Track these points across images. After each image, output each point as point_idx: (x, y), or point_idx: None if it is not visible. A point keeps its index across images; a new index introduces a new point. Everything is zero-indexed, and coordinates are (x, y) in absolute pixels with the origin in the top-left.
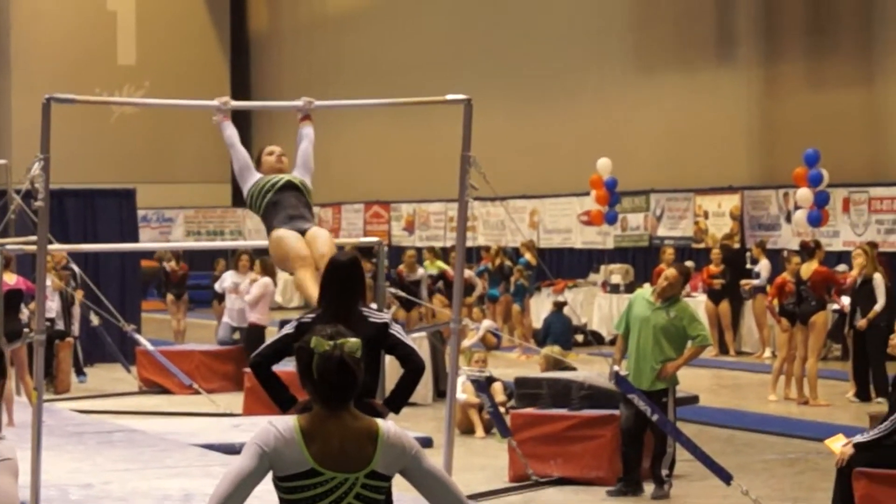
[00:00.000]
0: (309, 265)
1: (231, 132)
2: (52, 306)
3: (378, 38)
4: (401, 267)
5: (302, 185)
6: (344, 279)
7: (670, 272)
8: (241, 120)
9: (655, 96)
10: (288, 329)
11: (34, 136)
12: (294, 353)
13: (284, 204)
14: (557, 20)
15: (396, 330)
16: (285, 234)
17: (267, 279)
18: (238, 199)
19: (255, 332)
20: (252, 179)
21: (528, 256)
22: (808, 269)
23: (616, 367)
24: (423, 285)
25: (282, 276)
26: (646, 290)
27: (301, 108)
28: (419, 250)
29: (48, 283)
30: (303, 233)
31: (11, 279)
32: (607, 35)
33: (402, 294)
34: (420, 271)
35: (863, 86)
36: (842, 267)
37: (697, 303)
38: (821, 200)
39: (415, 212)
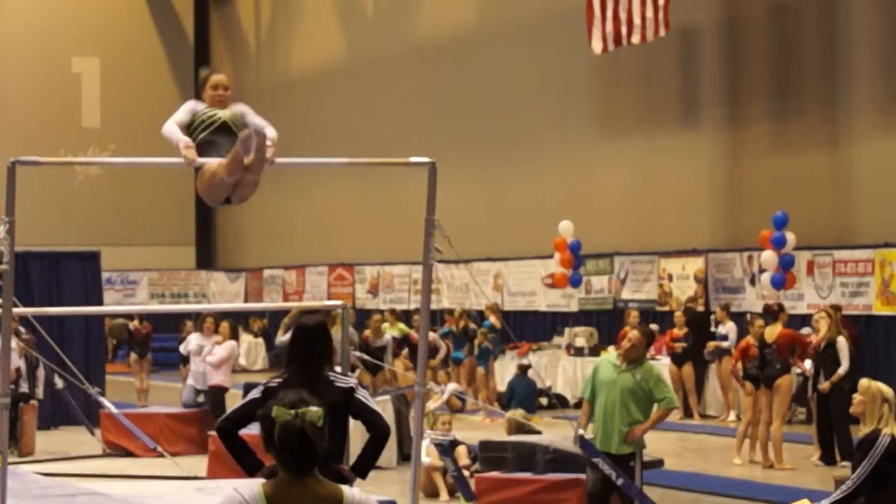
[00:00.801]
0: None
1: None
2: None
3: (341, 101)
4: (366, 332)
5: (238, 124)
6: (311, 344)
7: (633, 334)
8: None
9: (619, 159)
10: (255, 394)
11: None
12: (258, 420)
13: (218, 145)
14: (521, 83)
15: (362, 395)
16: (210, 164)
17: (232, 342)
18: (202, 262)
19: (217, 394)
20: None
21: (492, 319)
22: (773, 332)
23: (581, 431)
24: (388, 350)
25: (245, 338)
26: (611, 355)
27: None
28: (382, 313)
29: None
30: None
31: None
32: (571, 98)
33: (367, 358)
34: (387, 336)
35: (827, 149)
36: (806, 330)
37: (661, 366)
38: (785, 263)
39: (379, 274)
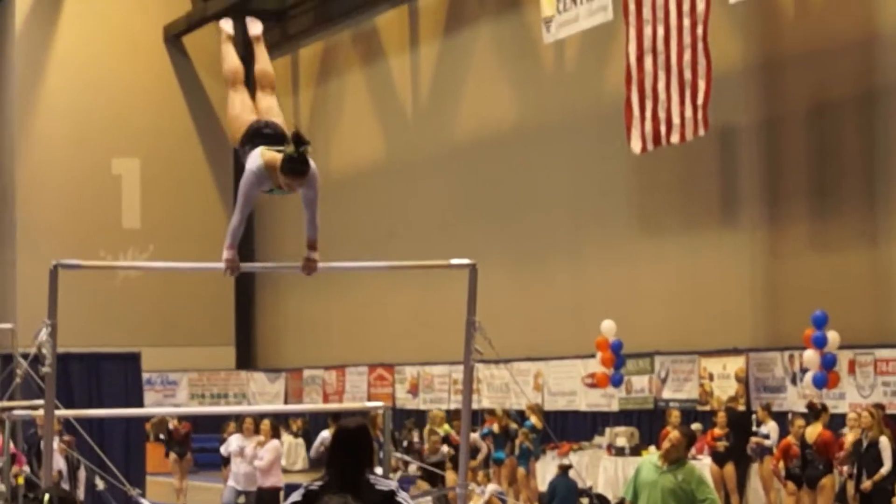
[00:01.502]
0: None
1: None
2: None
3: (381, 201)
4: (424, 446)
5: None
6: (352, 447)
7: (673, 434)
8: (245, 279)
9: (659, 258)
10: (295, 497)
11: (38, 298)
12: None
13: None
14: (560, 182)
15: (403, 497)
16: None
17: (276, 442)
18: (242, 362)
19: (270, 497)
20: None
21: (533, 420)
22: (813, 432)
23: None
24: (446, 463)
25: (285, 438)
26: (653, 456)
27: (304, 271)
28: (421, 413)
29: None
30: None
31: None
32: (611, 197)
33: (428, 467)
34: (444, 449)
35: (867, 247)
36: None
37: (703, 465)
38: (827, 363)
39: (419, 374)
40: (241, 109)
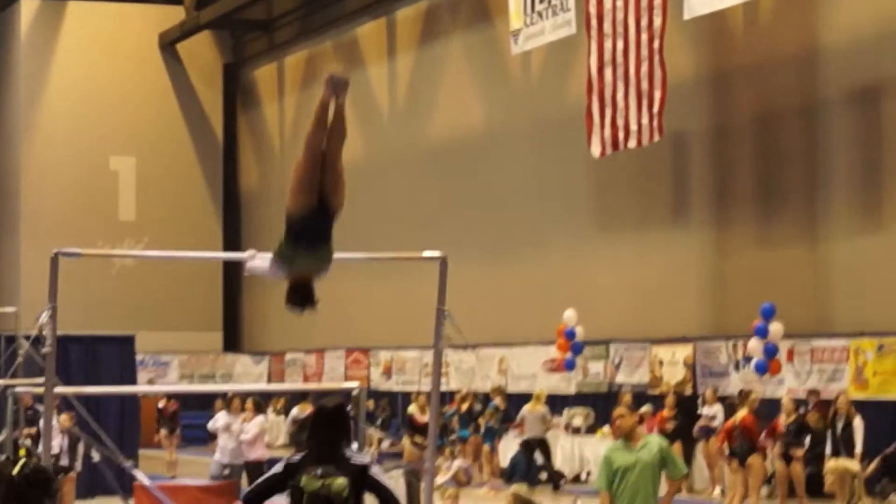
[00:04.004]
0: None
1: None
2: (58, 443)
3: (359, 197)
4: (412, 410)
5: None
6: (330, 424)
7: (616, 412)
8: (232, 268)
9: (615, 254)
10: (277, 468)
11: (40, 285)
12: (282, 490)
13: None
14: (526, 183)
15: (375, 472)
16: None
17: (260, 417)
18: (229, 345)
19: (255, 469)
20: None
21: (497, 401)
22: (740, 415)
23: None
24: None
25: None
26: (616, 443)
27: None
28: (397, 395)
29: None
30: None
31: None
32: (571, 197)
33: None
34: None
35: (806, 245)
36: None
37: None
38: (769, 351)
39: (392, 358)
40: (303, 175)
